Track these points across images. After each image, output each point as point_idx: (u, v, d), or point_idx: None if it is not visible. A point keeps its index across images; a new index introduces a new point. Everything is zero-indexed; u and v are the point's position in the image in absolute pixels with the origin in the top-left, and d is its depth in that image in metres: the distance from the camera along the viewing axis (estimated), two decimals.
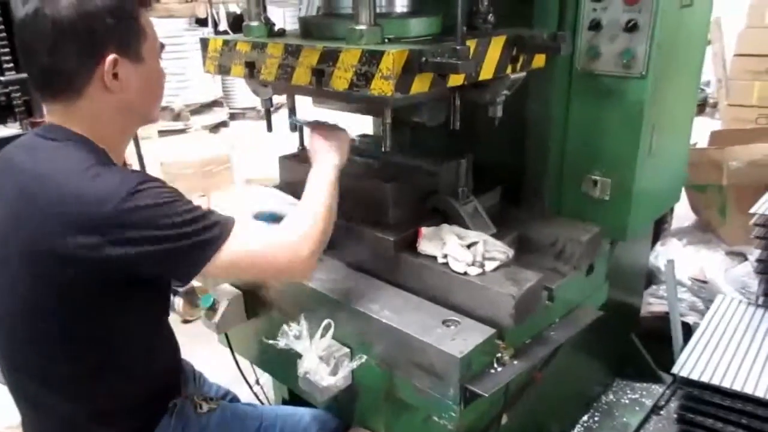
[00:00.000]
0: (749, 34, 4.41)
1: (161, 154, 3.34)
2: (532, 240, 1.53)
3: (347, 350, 1.35)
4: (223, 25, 8.42)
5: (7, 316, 1.10)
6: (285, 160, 1.74)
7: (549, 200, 1.73)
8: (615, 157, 1.63)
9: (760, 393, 1.49)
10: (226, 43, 1.48)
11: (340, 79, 1.24)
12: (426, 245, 1.38)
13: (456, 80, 1.25)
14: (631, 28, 1.51)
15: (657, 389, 2.39)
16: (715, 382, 1.55)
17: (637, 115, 1.56)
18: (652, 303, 2.81)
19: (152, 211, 1.02)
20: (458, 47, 1.17)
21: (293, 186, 1.72)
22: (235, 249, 1.09)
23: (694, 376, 1.58)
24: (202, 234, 1.06)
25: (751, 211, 2.00)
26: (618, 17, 1.54)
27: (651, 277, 2.90)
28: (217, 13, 8.41)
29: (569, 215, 1.71)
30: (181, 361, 1.36)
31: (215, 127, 6.39)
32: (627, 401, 2.41)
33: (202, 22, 7.48)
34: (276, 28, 1.53)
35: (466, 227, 1.43)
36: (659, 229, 3.18)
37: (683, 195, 3.29)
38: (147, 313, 1.18)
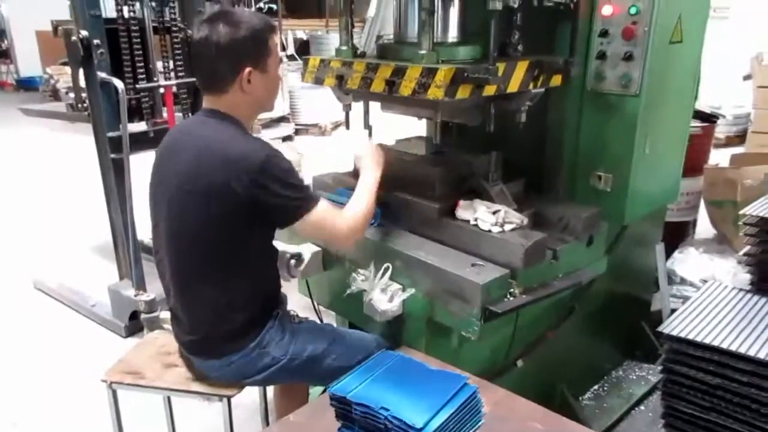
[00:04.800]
0: None
1: None
2: (544, 216, 1.99)
3: (400, 286, 1.83)
4: (290, 50, 9.22)
5: (180, 229, 1.62)
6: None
7: (563, 191, 2.18)
8: (616, 158, 2.08)
9: (727, 346, 1.87)
10: (322, 61, 2.03)
11: (406, 87, 1.75)
12: (462, 212, 1.87)
13: (489, 90, 1.74)
14: (628, 58, 1.98)
15: None
16: (691, 337, 1.94)
17: (632, 125, 2.02)
18: None
19: (281, 172, 1.55)
20: (490, 66, 1.67)
21: None
22: (315, 218, 1.61)
23: (674, 333, 1.98)
24: (304, 200, 1.59)
25: (742, 212, 2.37)
26: (619, 49, 2.00)
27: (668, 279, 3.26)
28: (286, 39, 9.21)
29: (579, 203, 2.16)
30: (281, 286, 1.87)
31: (283, 140, 7.07)
32: (634, 377, 2.79)
33: None
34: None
35: (493, 202, 1.90)
36: (680, 239, 3.55)
37: (703, 211, 3.66)
38: (265, 243, 1.71)
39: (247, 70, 1.58)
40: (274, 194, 1.54)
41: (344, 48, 2.03)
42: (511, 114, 1.95)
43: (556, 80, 1.95)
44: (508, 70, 1.79)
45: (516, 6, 1.82)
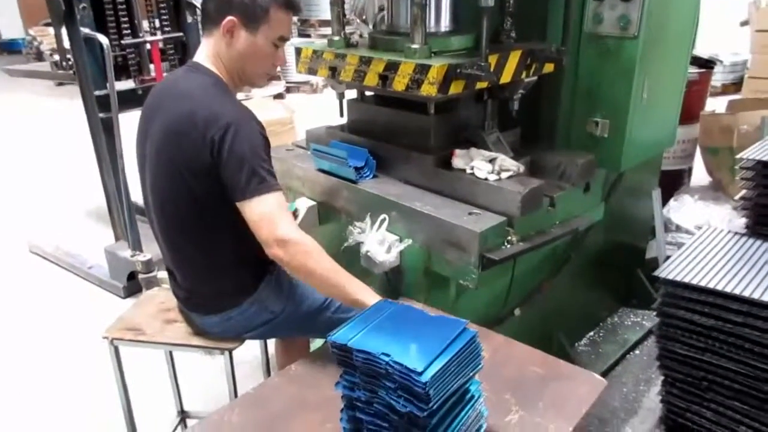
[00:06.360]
0: None
1: None
2: (540, 164, 1.98)
3: (397, 237, 1.83)
4: None
5: (163, 193, 1.58)
6: (351, 102, 2.21)
7: (560, 138, 2.16)
8: (613, 103, 2.04)
9: (722, 288, 1.89)
10: (314, 52, 2.00)
11: (399, 83, 1.74)
12: (458, 162, 1.85)
13: (481, 85, 1.75)
14: None
15: None
16: (687, 280, 1.96)
17: (631, 68, 1.97)
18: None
19: (242, 143, 1.44)
20: (482, 63, 1.66)
21: (357, 123, 2.21)
22: (262, 207, 1.43)
23: (670, 277, 1.99)
24: (258, 182, 1.42)
25: (738, 156, 2.36)
26: None
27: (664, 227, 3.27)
28: None
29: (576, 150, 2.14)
30: None
31: (274, 98, 6.97)
32: (629, 323, 2.84)
33: None
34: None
35: (489, 151, 1.88)
36: (675, 187, 3.55)
37: (698, 158, 3.65)
38: None
39: (230, 18, 1.52)
40: (226, 162, 1.44)
41: (336, 38, 1.99)
42: (504, 102, 1.96)
43: (549, 68, 1.95)
44: (501, 61, 1.78)
45: None
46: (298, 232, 1.47)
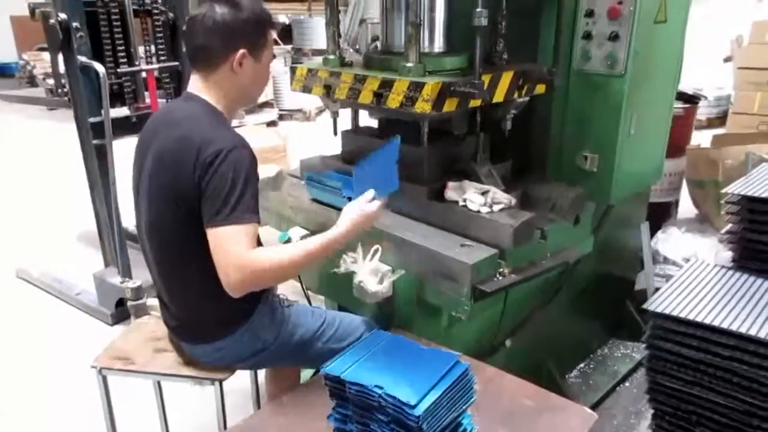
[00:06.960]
0: (752, 49, 4.79)
1: None
2: (532, 196, 2.01)
3: (390, 268, 1.83)
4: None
5: (157, 219, 1.60)
6: (346, 133, 2.24)
7: (550, 172, 2.20)
8: (601, 138, 2.09)
9: (710, 321, 1.91)
10: (309, 70, 2.03)
11: (394, 100, 1.77)
12: (451, 193, 1.87)
13: (474, 103, 1.77)
14: (614, 38, 1.99)
15: None
16: (675, 313, 1.98)
17: (618, 105, 2.03)
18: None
19: (232, 169, 1.45)
20: (476, 81, 1.69)
21: (351, 154, 2.24)
22: (223, 235, 1.43)
23: (659, 310, 2.01)
24: (231, 210, 1.43)
25: (724, 191, 2.40)
26: (604, 29, 2.01)
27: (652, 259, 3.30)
28: None
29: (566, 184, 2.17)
30: None
31: (267, 125, 7.03)
32: (619, 355, 2.84)
33: None
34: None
35: (481, 183, 1.91)
36: (663, 219, 3.60)
37: (685, 191, 3.71)
38: None
39: (242, 51, 1.56)
40: (206, 185, 1.45)
41: (332, 57, 2.03)
42: (497, 122, 1.98)
43: (540, 89, 1.99)
44: (494, 81, 1.82)
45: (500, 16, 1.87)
46: (246, 257, 1.43)
